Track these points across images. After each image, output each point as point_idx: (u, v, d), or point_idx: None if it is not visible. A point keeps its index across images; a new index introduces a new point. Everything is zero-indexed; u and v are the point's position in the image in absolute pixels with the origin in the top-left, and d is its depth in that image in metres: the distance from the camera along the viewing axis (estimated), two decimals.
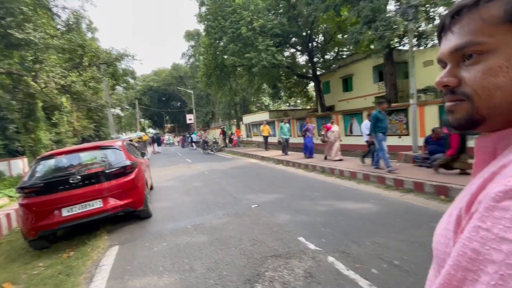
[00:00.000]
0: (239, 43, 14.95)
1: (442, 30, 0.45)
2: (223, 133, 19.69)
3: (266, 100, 44.29)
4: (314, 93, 35.41)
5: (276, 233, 3.38)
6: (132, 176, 4.07)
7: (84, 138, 27.98)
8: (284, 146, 11.03)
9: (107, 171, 3.90)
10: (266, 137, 13.72)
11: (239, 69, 19.16)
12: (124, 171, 4.01)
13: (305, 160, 8.97)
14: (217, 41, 16.62)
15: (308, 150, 9.30)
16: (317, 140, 11.12)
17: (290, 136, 12.00)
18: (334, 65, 22.15)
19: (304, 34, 19.39)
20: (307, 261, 2.62)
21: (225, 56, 16.84)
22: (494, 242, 0.29)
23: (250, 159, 12.09)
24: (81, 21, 16.86)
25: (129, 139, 12.68)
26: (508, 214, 0.29)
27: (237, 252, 2.94)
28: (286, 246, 2.97)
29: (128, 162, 4.10)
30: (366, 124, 6.93)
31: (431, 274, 0.46)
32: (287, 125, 11.39)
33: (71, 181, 3.69)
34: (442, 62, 0.45)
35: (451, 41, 0.42)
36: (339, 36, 21.22)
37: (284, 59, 17.56)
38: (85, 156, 4.15)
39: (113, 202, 3.86)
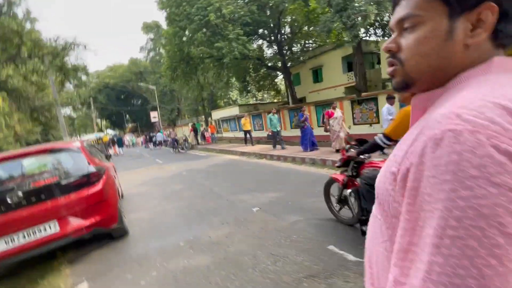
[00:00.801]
0: (207, 31, 13.88)
1: (395, 4, 0.51)
2: (194, 130, 18.46)
3: (234, 95, 43.37)
4: (283, 86, 35.42)
5: (297, 242, 2.74)
6: (99, 185, 3.10)
7: (29, 144, 24.39)
8: (276, 139, 9.97)
9: (63, 182, 2.89)
10: (247, 132, 12.47)
11: (207, 61, 18.00)
12: (87, 180, 3.03)
13: (292, 153, 8.47)
14: (182, 30, 15.29)
15: (310, 142, 8.37)
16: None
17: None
18: (301, 57, 22.06)
19: (272, 24, 18.87)
20: (356, 279, 2.03)
21: (192, 48, 15.60)
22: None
23: (229, 156, 11.30)
24: (15, 6, 14.30)
25: (85, 140, 11.02)
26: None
27: (258, 276, 2.25)
28: (318, 260, 2.35)
29: (92, 168, 3.11)
30: (389, 108, 6.08)
31: (373, 207, 0.55)
32: (276, 116, 10.33)
33: (10, 200, 2.63)
34: (392, 31, 0.52)
35: (398, 12, 0.49)
36: (306, 28, 21.17)
37: (255, 49, 16.90)
38: (30, 164, 3.05)
39: (75, 222, 2.87)
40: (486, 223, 0.31)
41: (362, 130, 10.92)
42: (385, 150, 3.82)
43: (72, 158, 3.15)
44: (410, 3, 0.47)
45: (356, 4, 12.40)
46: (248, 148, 11.43)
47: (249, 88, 29.10)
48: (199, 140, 18.99)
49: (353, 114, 12.06)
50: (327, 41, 22.48)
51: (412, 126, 0.47)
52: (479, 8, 0.41)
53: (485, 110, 0.35)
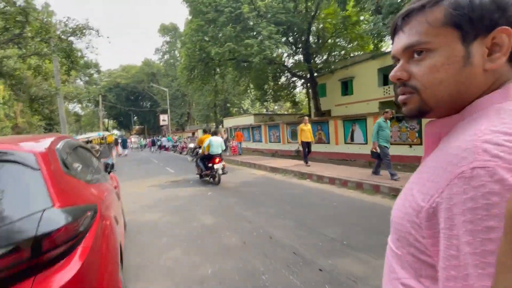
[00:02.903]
0: (237, 26, 12.18)
1: (395, 30, 0.50)
2: None
3: (246, 104, 41.90)
4: (302, 98, 33.65)
5: None
6: (73, 267, 1.09)
7: None
8: (385, 159, 6.03)
9: None
10: (306, 144, 8.43)
11: (229, 63, 16.30)
12: (39, 253, 1.02)
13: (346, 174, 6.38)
14: (207, 24, 13.63)
15: None
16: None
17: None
18: (331, 67, 20.32)
19: (304, 28, 17.25)
20: None
21: (215, 47, 13.91)
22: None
23: (255, 171, 9.26)
24: None
25: (86, 139, 9.14)
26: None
27: None
28: None
29: (59, 218, 1.11)
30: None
31: (389, 239, 0.52)
32: (389, 123, 6.44)
33: None
34: (395, 59, 0.50)
35: (403, 39, 0.47)
36: (336, 36, 19.52)
37: (284, 52, 15.20)
38: None
39: None
40: None
41: (399, 150, 9.17)
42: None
43: (10, 186, 1.15)
44: (417, 30, 0.44)
45: None
46: (279, 163, 9.36)
47: (266, 97, 27.43)
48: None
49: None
50: (359, 52, 20.88)
51: (428, 157, 0.46)
52: (494, 32, 0.40)
53: None
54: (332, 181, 6.43)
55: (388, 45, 14.97)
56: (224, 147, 7.17)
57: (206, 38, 14.54)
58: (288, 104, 35.98)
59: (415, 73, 0.46)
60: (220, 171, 6.73)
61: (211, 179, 7.06)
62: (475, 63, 0.41)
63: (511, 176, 0.30)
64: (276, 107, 42.71)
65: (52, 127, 27.89)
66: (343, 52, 21.12)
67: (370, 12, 12.83)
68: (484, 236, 0.32)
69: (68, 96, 13.50)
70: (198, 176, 7.72)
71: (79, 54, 12.65)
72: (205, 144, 6.85)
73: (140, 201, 5.37)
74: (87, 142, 9.25)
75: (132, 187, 6.87)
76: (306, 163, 8.52)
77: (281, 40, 13.76)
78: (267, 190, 5.91)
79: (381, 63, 16.60)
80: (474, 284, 0.33)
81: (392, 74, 0.49)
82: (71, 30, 11.20)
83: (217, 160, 6.68)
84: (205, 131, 8.09)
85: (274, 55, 13.58)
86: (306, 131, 8.37)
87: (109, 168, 3.11)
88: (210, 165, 6.80)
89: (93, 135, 9.63)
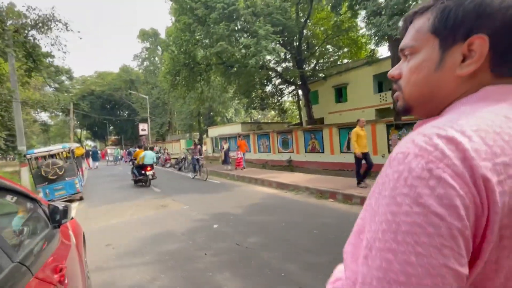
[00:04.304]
0: (230, 23, 10.89)
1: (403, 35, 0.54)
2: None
3: (229, 113, 40.57)
4: (288, 106, 32.87)
5: None
6: None
7: None
8: None
9: None
10: (365, 156, 6.12)
11: (220, 67, 14.94)
12: None
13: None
14: (196, 23, 12.20)
15: None
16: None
17: None
18: (321, 74, 19.60)
19: (296, 32, 16.39)
20: None
21: (204, 50, 12.55)
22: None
23: (259, 187, 7.82)
24: None
25: (46, 153, 7.27)
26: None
27: None
28: None
29: None
30: None
31: None
32: None
33: None
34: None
35: (402, 42, 0.51)
36: (327, 44, 18.93)
37: (282, 52, 14.13)
38: None
39: None
40: (403, 239, 0.33)
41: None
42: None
43: None
44: (409, 34, 0.48)
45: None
46: (287, 178, 7.99)
47: (254, 105, 26.25)
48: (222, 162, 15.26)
49: (388, 140, 9.38)
50: (349, 60, 20.41)
51: None
52: (469, 40, 0.41)
53: (434, 136, 0.36)
54: (364, 201, 5.17)
55: (381, 52, 14.54)
56: (155, 159, 9.72)
57: (198, 34, 13.13)
58: (272, 113, 35.09)
59: (403, 73, 0.49)
60: (150, 177, 8.96)
61: (144, 183, 9.07)
62: (446, 68, 0.43)
63: (415, 160, 0.35)
64: (259, 116, 41.76)
65: (15, 138, 24.57)
66: (331, 59, 20.61)
67: (369, 13, 12.16)
68: (381, 202, 0.37)
69: (29, 101, 11.36)
70: (133, 181, 9.62)
71: (44, 50, 10.74)
72: (141, 156, 9.04)
73: (117, 243, 3.75)
74: (49, 156, 7.36)
75: (106, 218, 5.18)
76: (360, 183, 6.21)
77: (278, 41, 12.69)
78: (292, 219, 4.51)
79: (376, 69, 16.05)
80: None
81: (389, 72, 0.53)
82: (32, 22, 9.36)
83: (148, 168, 8.91)
84: (139, 147, 10.89)
85: (273, 56, 12.52)
86: (363, 137, 6.13)
87: (58, 218, 1.61)
88: (143, 172, 8.88)
89: (55, 148, 7.74)
